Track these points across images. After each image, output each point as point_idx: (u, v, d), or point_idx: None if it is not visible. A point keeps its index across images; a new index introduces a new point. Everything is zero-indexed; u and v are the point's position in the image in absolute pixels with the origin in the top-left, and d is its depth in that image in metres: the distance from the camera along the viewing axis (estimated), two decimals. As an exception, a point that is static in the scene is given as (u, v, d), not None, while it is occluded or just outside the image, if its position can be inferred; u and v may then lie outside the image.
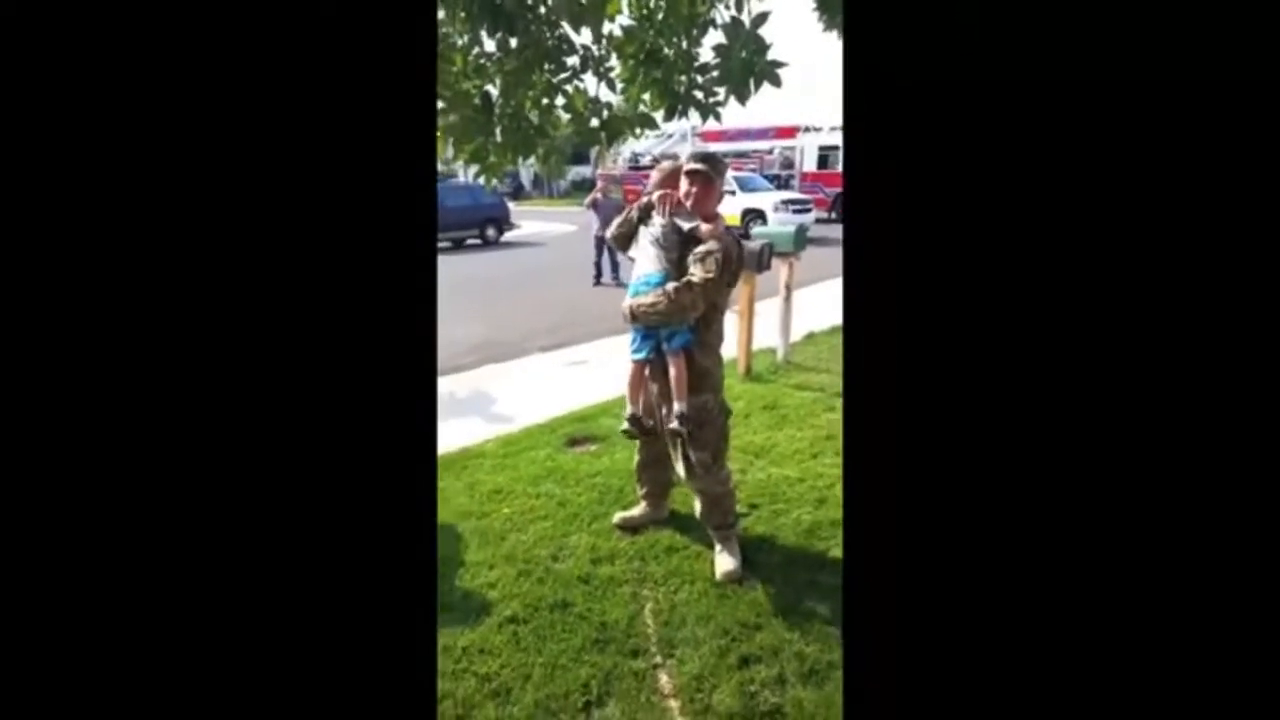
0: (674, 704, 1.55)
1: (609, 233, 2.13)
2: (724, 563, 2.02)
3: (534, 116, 1.49)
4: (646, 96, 1.63)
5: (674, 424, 1.94)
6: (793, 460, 2.81)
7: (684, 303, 1.88)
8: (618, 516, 2.34)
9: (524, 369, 4.53)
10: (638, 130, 1.67)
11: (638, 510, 2.35)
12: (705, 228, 1.91)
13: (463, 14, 1.37)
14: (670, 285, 1.89)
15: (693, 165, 1.88)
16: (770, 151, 15.68)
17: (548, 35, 1.43)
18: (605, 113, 1.59)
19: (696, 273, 1.88)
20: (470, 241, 11.63)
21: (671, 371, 1.96)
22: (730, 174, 12.28)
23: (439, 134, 1.55)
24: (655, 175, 2.07)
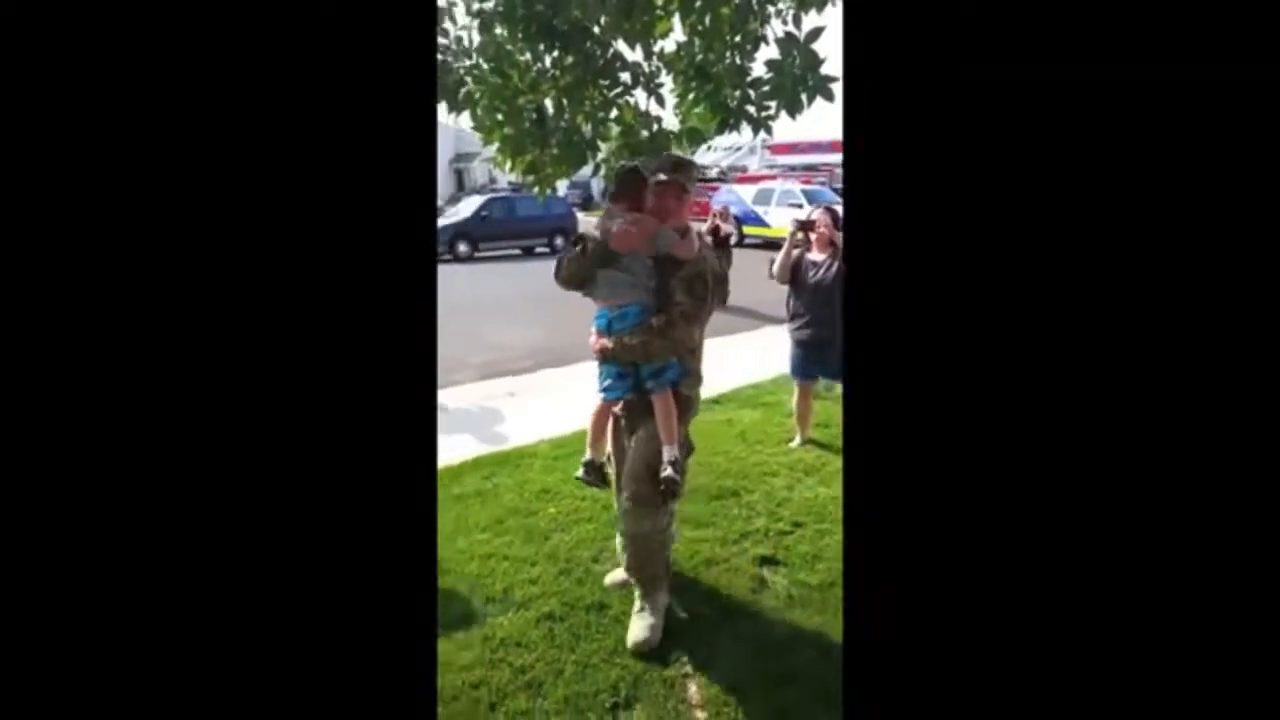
0: (701, 715, 1.55)
1: (557, 274, 1.71)
2: (638, 628, 1.71)
3: (586, 130, 1.55)
4: (698, 110, 1.66)
5: (667, 471, 1.63)
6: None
7: (678, 337, 1.63)
8: (609, 578, 2.01)
9: (582, 373, 4.63)
10: (687, 143, 1.70)
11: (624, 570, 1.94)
12: (681, 245, 1.62)
13: (521, 33, 1.45)
14: (658, 320, 1.60)
15: (662, 176, 1.60)
16: (840, 165, 15.34)
17: (600, 53, 1.49)
18: (655, 126, 1.63)
19: (686, 301, 1.61)
20: (539, 249, 11.99)
21: (658, 411, 1.66)
22: (799, 187, 12.12)
23: (499, 148, 1.64)
24: (615, 186, 1.71)
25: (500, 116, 1.54)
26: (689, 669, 1.69)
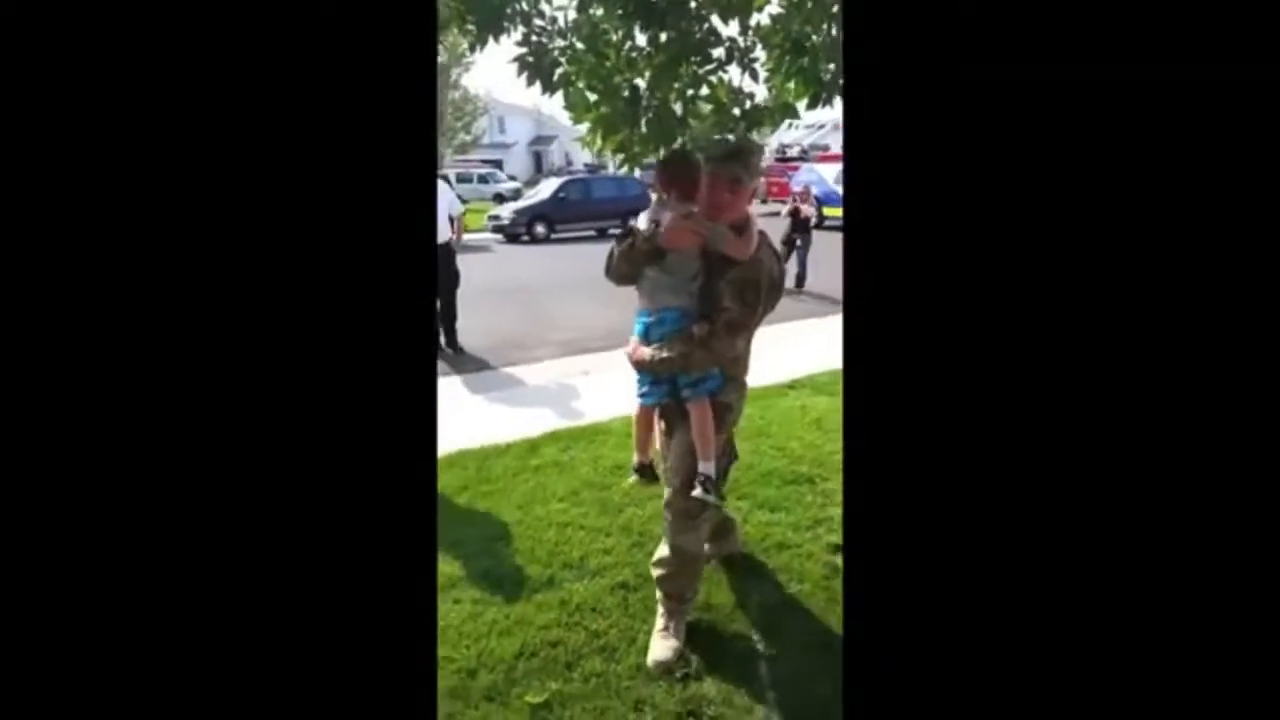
0: (770, 694, 1.56)
1: (608, 270, 1.60)
2: (661, 648, 1.63)
3: (678, 108, 1.55)
4: (790, 85, 1.62)
5: (696, 490, 1.53)
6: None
7: (720, 349, 1.46)
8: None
9: (653, 355, 4.67)
10: (778, 119, 1.66)
11: None
12: (736, 244, 1.43)
13: (619, 11, 1.46)
14: (700, 329, 1.44)
15: (716, 167, 1.42)
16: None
17: (696, 29, 1.48)
18: (747, 103, 1.61)
19: (733, 309, 1.43)
20: (613, 231, 12.11)
21: (694, 422, 1.54)
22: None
23: (591, 128, 1.67)
24: (658, 174, 1.55)
25: (595, 96, 1.56)
26: (760, 647, 1.71)
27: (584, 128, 1.73)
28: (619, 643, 1.71)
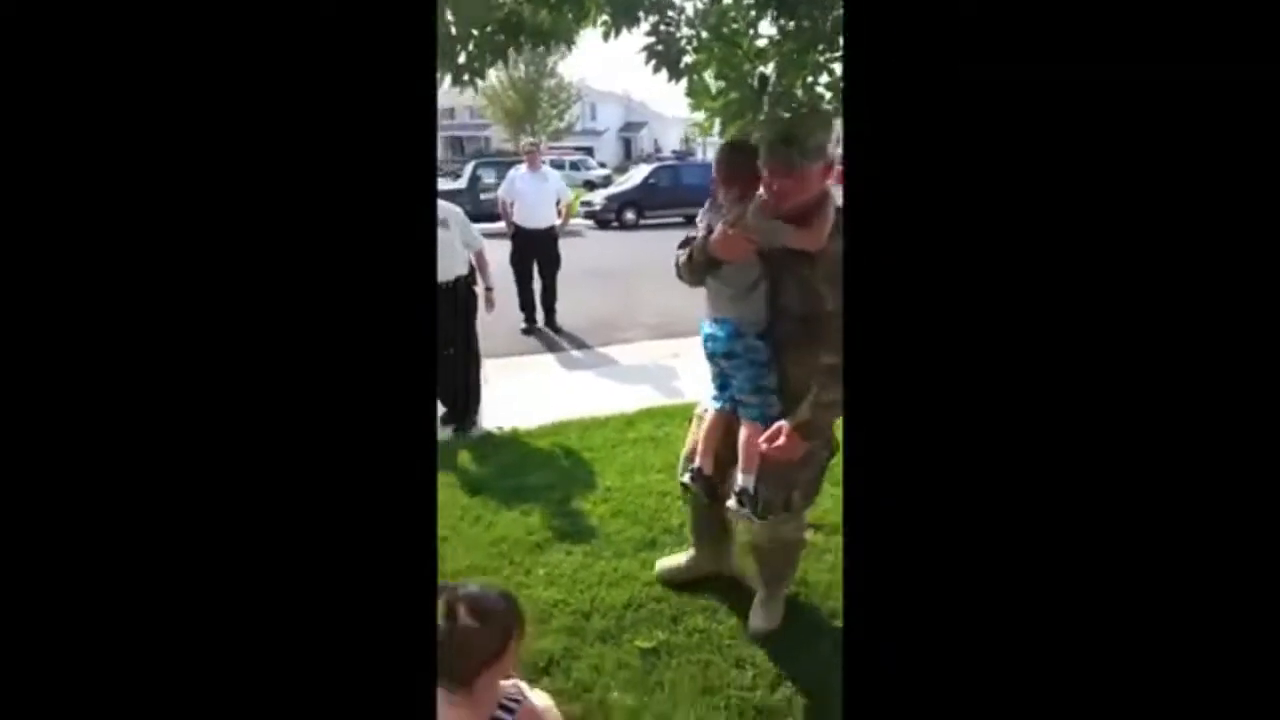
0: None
1: (679, 275, 1.60)
2: (762, 617, 1.70)
3: (799, 94, 1.59)
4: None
5: (730, 502, 1.54)
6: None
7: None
8: (660, 565, 1.92)
9: (744, 341, 4.69)
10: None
11: (685, 557, 1.91)
12: (799, 236, 1.31)
13: (749, 1, 1.52)
14: (832, 359, 1.32)
15: (768, 154, 1.31)
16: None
17: (824, 18, 1.51)
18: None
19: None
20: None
21: (743, 431, 1.51)
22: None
23: (711, 114, 1.74)
24: (715, 171, 1.49)
25: (724, 83, 1.64)
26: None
27: (699, 115, 1.80)
28: (720, 605, 1.81)
